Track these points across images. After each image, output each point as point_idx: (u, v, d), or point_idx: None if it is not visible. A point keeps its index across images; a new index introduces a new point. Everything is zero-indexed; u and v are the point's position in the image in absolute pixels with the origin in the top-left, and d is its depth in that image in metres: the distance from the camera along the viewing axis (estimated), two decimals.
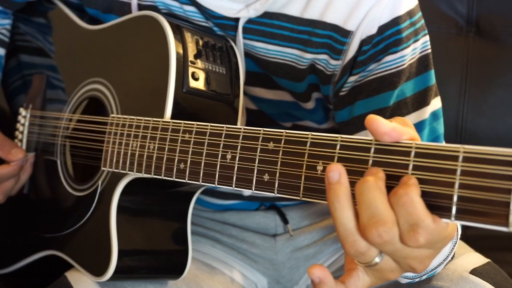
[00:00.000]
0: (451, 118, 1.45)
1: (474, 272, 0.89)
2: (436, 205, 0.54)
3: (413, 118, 0.92)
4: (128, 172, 0.86)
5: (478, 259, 0.95)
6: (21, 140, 1.14)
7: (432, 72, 0.95)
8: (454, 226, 0.60)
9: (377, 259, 0.59)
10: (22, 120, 1.14)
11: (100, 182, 0.93)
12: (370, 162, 0.59)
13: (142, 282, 0.97)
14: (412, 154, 0.56)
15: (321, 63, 0.95)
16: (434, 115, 0.93)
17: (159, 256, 0.96)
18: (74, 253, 0.97)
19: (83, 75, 1.03)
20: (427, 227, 0.54)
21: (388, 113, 0.91)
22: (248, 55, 0.98)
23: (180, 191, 0.94)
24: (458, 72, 1.47)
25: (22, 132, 1.14)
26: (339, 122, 0.96)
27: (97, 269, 0.91)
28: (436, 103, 0.94)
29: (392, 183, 0.57)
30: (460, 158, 0.53)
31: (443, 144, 0.55)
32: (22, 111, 1.14)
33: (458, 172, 0.53)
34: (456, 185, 0.53)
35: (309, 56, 0.95)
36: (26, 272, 1.11)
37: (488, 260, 0.96)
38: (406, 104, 0.92)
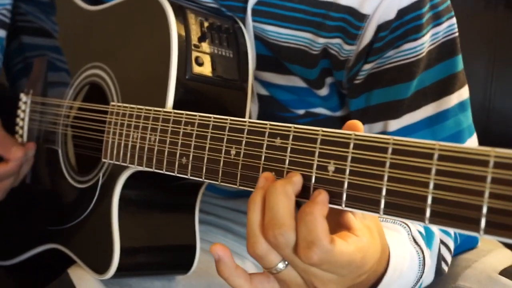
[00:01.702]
0: (478, 98, 1.38)
1: (504, 272, 0.84)
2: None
3: (430, 109, 0.86)
4: (129, 165, 0.81)
5: (508, 257, 0.89)
6: (22, 128, 1.09)
7: (459, 57, 0.88)
8: (377, 260, 0.60)
9: (280, 266, 0.60)
10: (23, 107, 1.09)
11: (101, 174, 0.88)
12: (388, 164, 0.52)
13: (148, 278, 0.92)
14: (435, 157, 0.49)
15: (335, 48, 0.89)
16: (461, 105, 0.87)
17: (165, 252, 0.91)
18: (77, 248, 0.93)
19: (84, 59, 0.97)
20: (322, 247, 0.55)
21: (405, 104, 0.86)
22: (258, 38, 0.92)
23: (186, 183, 0.89)
24: (485, 49, 1.40)
25: (23, 119, 1.09)
26: (354, 111, 0.91)
27: (99, 267, 0.87)
28: (463, 93, 0.87)
29: (410, 188, 0.51)
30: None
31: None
32: (23, 96, 1.09)
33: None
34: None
35: (322, 40, 0.89)
36: (29, 266, 1.07)
37: None
38: (425, 94, 0.85)
